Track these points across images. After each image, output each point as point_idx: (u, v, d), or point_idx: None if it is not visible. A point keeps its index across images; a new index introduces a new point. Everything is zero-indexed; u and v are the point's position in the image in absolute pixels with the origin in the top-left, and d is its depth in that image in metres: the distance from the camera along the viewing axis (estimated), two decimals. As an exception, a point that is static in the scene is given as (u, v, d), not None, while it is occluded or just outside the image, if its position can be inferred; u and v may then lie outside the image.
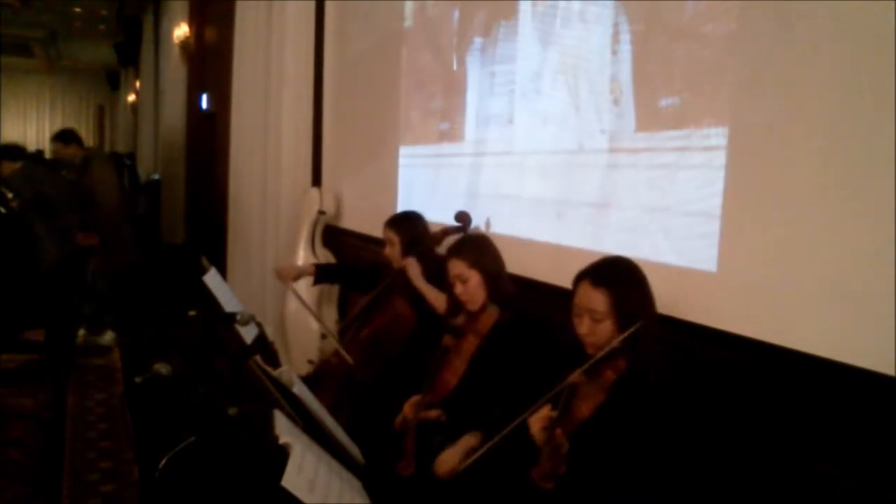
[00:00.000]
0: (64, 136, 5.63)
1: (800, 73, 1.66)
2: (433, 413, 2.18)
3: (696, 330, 1.93)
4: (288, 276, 3.08)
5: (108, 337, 5.60)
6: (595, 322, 1.75)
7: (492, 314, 2.27)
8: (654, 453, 1.63)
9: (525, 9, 2.71)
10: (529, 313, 2.28)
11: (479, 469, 1.79)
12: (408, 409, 2.18)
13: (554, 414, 1.63)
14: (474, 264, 2.26)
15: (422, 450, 2.08)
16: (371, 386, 2.57)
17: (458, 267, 2.27)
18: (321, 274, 3.17)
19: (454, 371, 2.26)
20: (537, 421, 1.65)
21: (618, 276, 1.77)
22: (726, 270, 1.87)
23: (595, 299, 1.74)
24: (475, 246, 2.34)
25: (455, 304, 2.31)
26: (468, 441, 1.94)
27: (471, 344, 2.26)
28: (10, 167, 5.09)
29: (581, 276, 1.80)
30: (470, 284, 2.25)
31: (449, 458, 1.92)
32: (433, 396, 2.20)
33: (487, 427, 1.88)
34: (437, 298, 2.56)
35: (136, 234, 5.93)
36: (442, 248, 2.64)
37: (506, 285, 2.30)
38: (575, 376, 1.71)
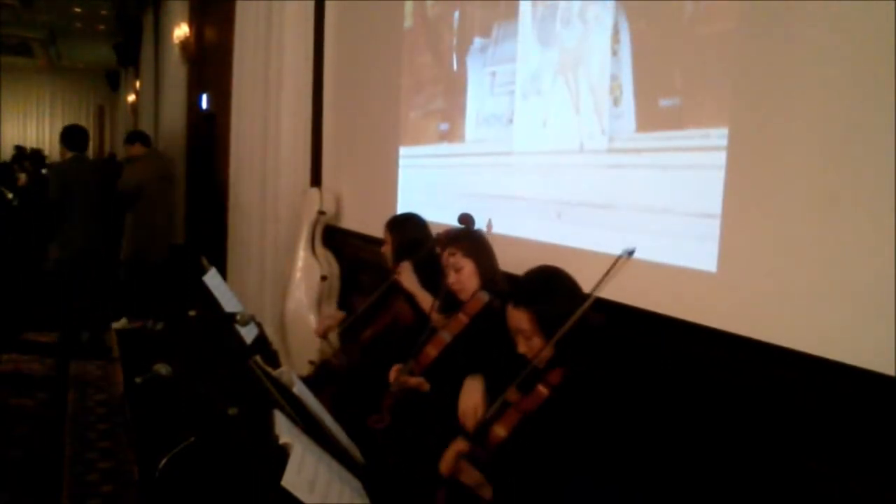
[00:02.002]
0: (128, 137, 6.09)
1: (800, 74, 1.66)
2: (413, 380, 2.24)
3: (696, 330, 1.93)
4: (319, 332, 3.18)
5: (122, 322, 5.60)
6: (528, 340, 1.79)
7: (482, 297, 2.30)
8: (583, 457, 1.63)
9: (525, 9, 2.71)
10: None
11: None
12: (391, 374, 2.27)
13: (466, 448, 1.71)
14: (470, 254, 2.30)
15: (401, 413, 2.15)
16: (369, 385, 2.58)
17: (453, 255, 2.30)
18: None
19: (439, 344, 2.30)
20: (450, 454, 1.71)
21: (536, 292, 1.81)
22: (726, 270, 1.87)
23: (519, 319, 1.79)
24: (474, 239, 2.38)
25: (446, 295, 2.34)
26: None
27: (459, 322, 2.30)
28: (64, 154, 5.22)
29: (507, 299, 1.85)
30: (463, 273, 2.29)
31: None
32: (416, 367, 2.25)
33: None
34: (428, 300, 2.57)
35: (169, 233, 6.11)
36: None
37: (501, 286, 2.31)
38: (510, 394, 1.76)
